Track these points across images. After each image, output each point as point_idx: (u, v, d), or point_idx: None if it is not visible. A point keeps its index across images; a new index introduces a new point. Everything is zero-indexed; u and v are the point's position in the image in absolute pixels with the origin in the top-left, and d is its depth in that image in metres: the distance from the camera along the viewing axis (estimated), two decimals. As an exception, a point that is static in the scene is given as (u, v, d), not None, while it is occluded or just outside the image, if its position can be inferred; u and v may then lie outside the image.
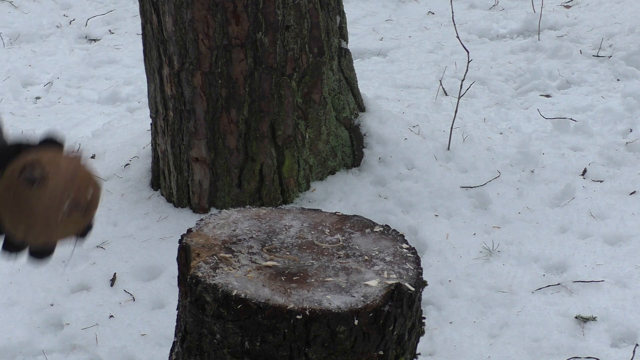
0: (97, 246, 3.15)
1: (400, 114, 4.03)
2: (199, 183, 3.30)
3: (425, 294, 2.73)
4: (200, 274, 1.30)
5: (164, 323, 2.68)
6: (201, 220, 1.48)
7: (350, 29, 3.92)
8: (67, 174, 1.17)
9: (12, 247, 1.16)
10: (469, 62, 3.87)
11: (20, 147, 1.21)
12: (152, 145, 3.53)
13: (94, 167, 1.21)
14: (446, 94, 4.63)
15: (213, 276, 1.30)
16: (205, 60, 3.13)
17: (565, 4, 6.35)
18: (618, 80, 4.73)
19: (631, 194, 3.47)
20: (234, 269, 1.32)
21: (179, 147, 3.31)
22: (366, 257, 1.39)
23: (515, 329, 2.67)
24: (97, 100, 4.95)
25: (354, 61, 3.69)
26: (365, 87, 4.50)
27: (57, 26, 6.29)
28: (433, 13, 6.43)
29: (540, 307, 2.78)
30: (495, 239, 3.13)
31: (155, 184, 3.52)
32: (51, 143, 1.23)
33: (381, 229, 1.50)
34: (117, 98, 4.92)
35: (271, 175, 3.27)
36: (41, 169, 1.15)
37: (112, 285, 2.93)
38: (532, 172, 3.62)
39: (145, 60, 3.41)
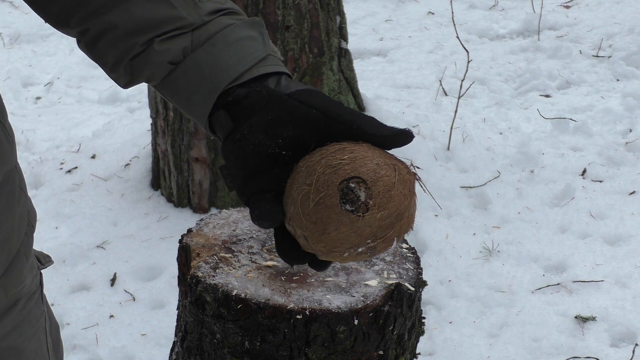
0: (97, 246, 3.15)
1: (400, 114, 4.04)
2: (199, 183, 3.30)
3: (425, 294, 2.73)
4: (200, 274, 1.30)
5: (164, 323, 2.68)
6: (201, 220, 1.49)
7: (350, 29, 3.92)
8: (391, 215, 0.90)
9: (284, 238, 0.96)
10: (468, 62, 3.87)
11: (355, 128, 0.93)
12: (152, 145, 3.53)
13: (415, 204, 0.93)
14: (446, 94, 4.63)
15: (213, 276, 1.30)
16: (205, 60, 3.13)
17: (565, 4, 6.35)
18: (618, 80, 4.73)
19: (631, 194, 3.47)
20: (234, 268, 1.33)
21: (179, 147, 3.31)
22: (366, 257, 1.40)
23: (515, 328, 2.68)
24: (97, 100, 4.96)
25: (354, 61, 3.69)
26: (365, 87, 4.51)
27: (57, 26, 6.29)
28: (433, 13, 6.44)
29: (540, 307, 2.78)
30: (495, 238, 3.13)
31: (155, 184, 3.52)
32: (399, 143, 0.94)
33: (381, 229, 1.50)
34: (117, 98, 4.93)
35: (271, 175, 3.27)
36: (368, 195, 0.89)
37: (112, 285, 2.93)
38: (532, 172, 3.62)
39: (145, 60, 3.41)
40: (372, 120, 0.94)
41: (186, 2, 0.97)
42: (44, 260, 1.17)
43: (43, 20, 1.04)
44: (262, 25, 1.00)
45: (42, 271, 1.18)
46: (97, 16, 0.97)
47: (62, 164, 3.86)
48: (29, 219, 1.11)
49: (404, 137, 0.93)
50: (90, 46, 1.00)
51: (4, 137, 1.05)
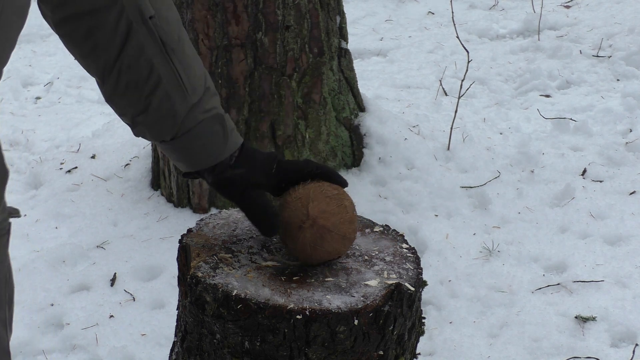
0: (97, 246, 3.15)
1: (400, 114, 4.03)
2: (199, 183, 3.30)
3: (425, 294, 2.73)
4: (200, 274, 1.30)
5: (164, 323, 2.68)
6: (201, 220, 1.49)
7: (350, 29, 3.92)
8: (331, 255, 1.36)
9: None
10: (469, 62, 3.87)
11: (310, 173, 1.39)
12: (152, 145, 3.53)
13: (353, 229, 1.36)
14: (446, 94, 4.63)
15: (213, 276, 1.30)
16: (205, 60, 3.13)
17: (565, 4, 6.35)
18: (618, 80, 4.73)
19: (631, 194, 3.47)
20: (234, 269, 1.33)
21: (179, 147, 3.31)
22: (366, 257, 1.40)
23: (515, 329, 2.67)
24: (97, 100, 4.96)
25: (354, 61, 3.69)
26: (365, 87, 4.51)
27: (57, 26, 6.28)
28: (433, 13, 6.44)
29: (540, 307, 2.78)
30: (495, 239, 3.13)
31: (155, 184, 3.52)
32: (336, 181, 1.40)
33: (381, 229, 1.50)
34: (117, 98, 4.92)
35: (271, 175, 3.26)
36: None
37: (112, 285, 2.93)
38: (532, 172, 3.62)
39: (145, 60, 3.41)
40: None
41: (180, 96, 1.30)
42: (13, 212, 1.34)
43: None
44: (223, 118, 1.35)
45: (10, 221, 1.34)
46: (125, 89, 1.29)
47: (62, 164, 3.85)
48: (3, 170, 1.26)
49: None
50: (109, 98, 1.33)
51: None
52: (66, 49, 1.33)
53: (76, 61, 1.34)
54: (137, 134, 1.36)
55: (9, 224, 1.32)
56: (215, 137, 1.34)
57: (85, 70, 1.34)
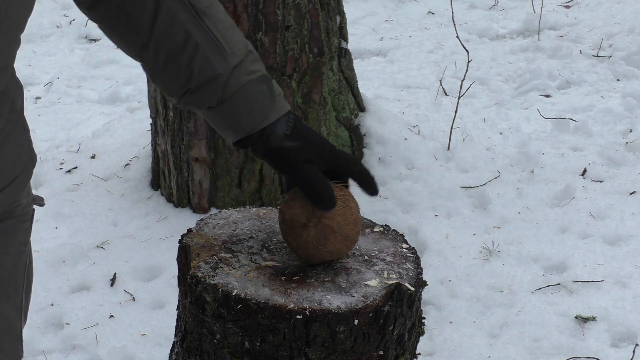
0: (97, 246, 3.15)
1: (400, 114, 4.03)
2: (199, 183, 3.30)
3: (425, 294, 2.73)
4: (200, 274, 1.30)
5: (164, 323, 2.68)
6: (201, 220, 1.48)
7: (350, 29, 3.92)
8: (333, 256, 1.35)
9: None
10: (469, 62, 3.87)
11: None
12: (152, 145, 3.53)
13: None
14: (446, 94, 4.63)
15: (213, 276, 1.30)
16: (205, 60, 3.13)
17: (565, 4, 6.35)
18: (618, 80, 4.73)
19: (631, 194, 3.47)
20: (234, 269, 1.33)
21: (179, 147, 3.31)
22: (366, 257, 1.39)
23: (515, 329, 2.68)
24: (97, 100, 4.95)
25: (354, 61, 3.69)
26: (365, 87, 4.51)
27: (57, 26, 6.29)
28: (433, 13, 6.44)
29: (540, 307, 2.78)
30: (495, 239, 3.13)
31: (155, 184, 3.52)
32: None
33: (381, 229, 1.50)
34: (117, 98, 4.92)
35: (271, 175, 3.27)
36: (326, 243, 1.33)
37: (112, 285, 2.93)
38: (532, 172, 3.62)
39: (145, 60, 3.41)
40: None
41: (220, 59, 1.29)
42: (37, 199, 1.36)
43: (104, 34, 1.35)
44: (270, 80, 1.34)
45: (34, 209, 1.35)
46: (165, 61, 1.29)
47: (62, 164, 3.85)
48: (31, 155, 1.29)
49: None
50: (153, 76, 1.34)
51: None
52: (105, 34, 1.34)
53: (119, 49, 1.34)
54: (184, 106, 1.35)
55: (33, 210, 1.33)
56: (262, 98, 1.32)
57: (127, 55, 1.35)
